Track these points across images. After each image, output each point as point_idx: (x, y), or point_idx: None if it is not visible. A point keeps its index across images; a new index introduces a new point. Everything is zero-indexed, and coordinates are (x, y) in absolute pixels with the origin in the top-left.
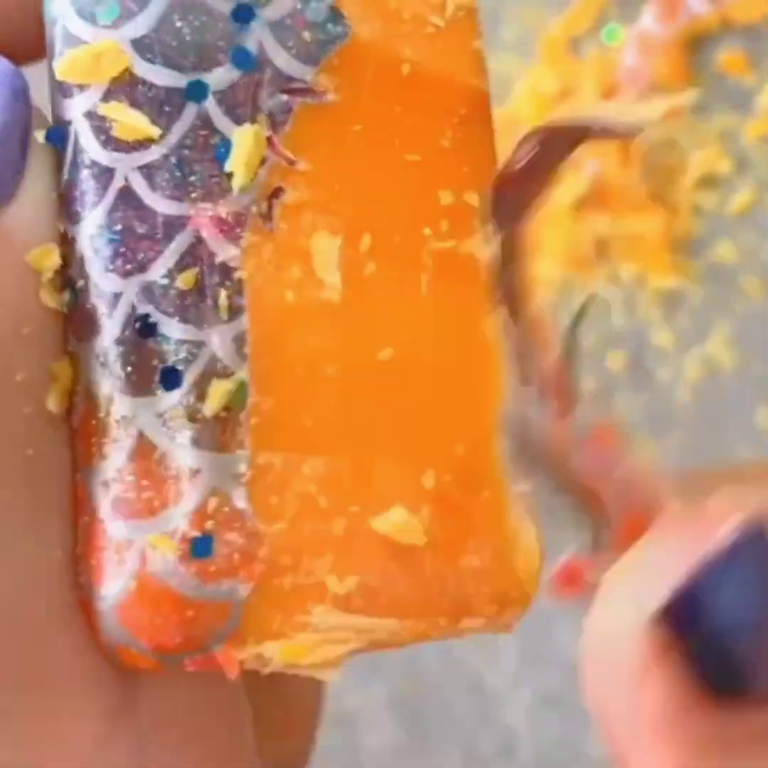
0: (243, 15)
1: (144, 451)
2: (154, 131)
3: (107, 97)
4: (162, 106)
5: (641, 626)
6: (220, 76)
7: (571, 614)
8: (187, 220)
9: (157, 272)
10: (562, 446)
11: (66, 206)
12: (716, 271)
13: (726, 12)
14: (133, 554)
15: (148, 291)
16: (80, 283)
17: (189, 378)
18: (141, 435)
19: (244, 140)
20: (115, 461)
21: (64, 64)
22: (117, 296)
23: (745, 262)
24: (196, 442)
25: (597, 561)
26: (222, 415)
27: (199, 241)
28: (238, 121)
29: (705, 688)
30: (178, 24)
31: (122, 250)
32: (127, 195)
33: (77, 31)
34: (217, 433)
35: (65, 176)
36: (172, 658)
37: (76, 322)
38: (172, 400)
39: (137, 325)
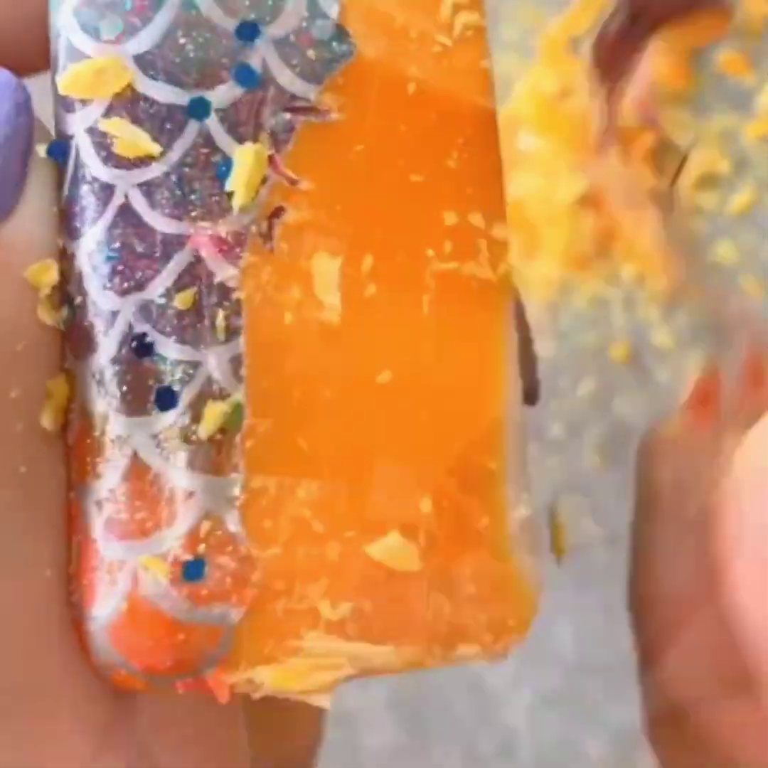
0: (247, 32)
1: (138, 471)
2: (155, 148)
3: (109, 112)
4: (163, 123)
5: None
6: (222, 94)
7: (571, 614)
8: (186, 239)
9: (154, 291)
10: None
11: (66, 222)
12: (716, 271)
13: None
14: (125, 575)
15: (145, 310)
16: (78, 299)
17: (184, 399)
18: (135, 455)
19: (245, 159)
20: (108, 481)
21: (66, 78)
22: (114, 314)
23: (745, 262)
24: (191, 464)
25: (727, 381)
26: (217, 437)
27: (198, 260)
28: (240, 140)
29: None
30: (182, 40)
31: (120, 267)
32: (126, 212)
33: (80, 45)
34: (212, 456)
35: (66, 191)
36: (163, 681)
37: (74, 339)
38: (167, 420)
39: (134, 344)
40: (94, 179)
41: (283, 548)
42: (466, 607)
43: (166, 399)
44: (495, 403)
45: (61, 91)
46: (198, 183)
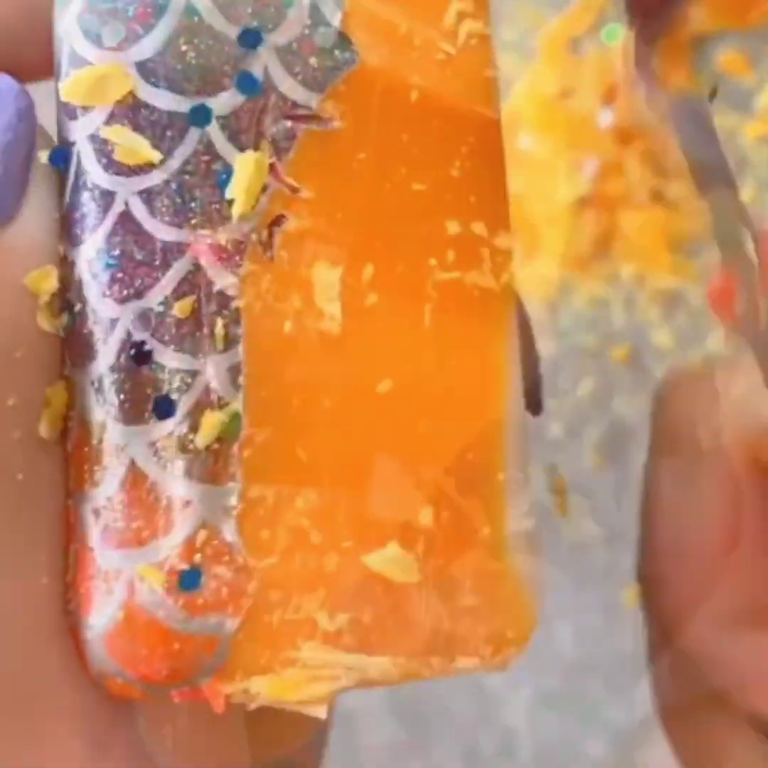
0: (249, 39)
1: (135, 480)
2: (155, 156)
3: (110, 120)
4: (164, 130)
5: None
6: (224, 101)
7: (571, 614)
8: (185, 247)
9: (153, 299)
10: None
11: (67, 229)
12: (716, 271)
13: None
14: (122, 584)
15: (144, 318)
16: (78, 307)
17: (182, 408)
18: (133, 464)
19: (245, 167)
20: (106, 489)
21: (68, 85)
22: (113, 322)
23: None
24: (188, 473)
25: (747, 278)
26: (214, 446)
27: (197, 268)
28: (241, 147)
29: None
30: (184, 48)
31: (120, 275)
32: (126, 220)
33: (83, 52)
34: (209, 465)
35: (67, 198)
36: (159, 690)
37: (73, 346)
38: (164, 429)
39: (132, 352)
40: (95, 186)
41: (280, 558)
42: (465, 618)
43: (164, 408)
44: (496, 412)
45: (63, 98)
46: (198, 191)
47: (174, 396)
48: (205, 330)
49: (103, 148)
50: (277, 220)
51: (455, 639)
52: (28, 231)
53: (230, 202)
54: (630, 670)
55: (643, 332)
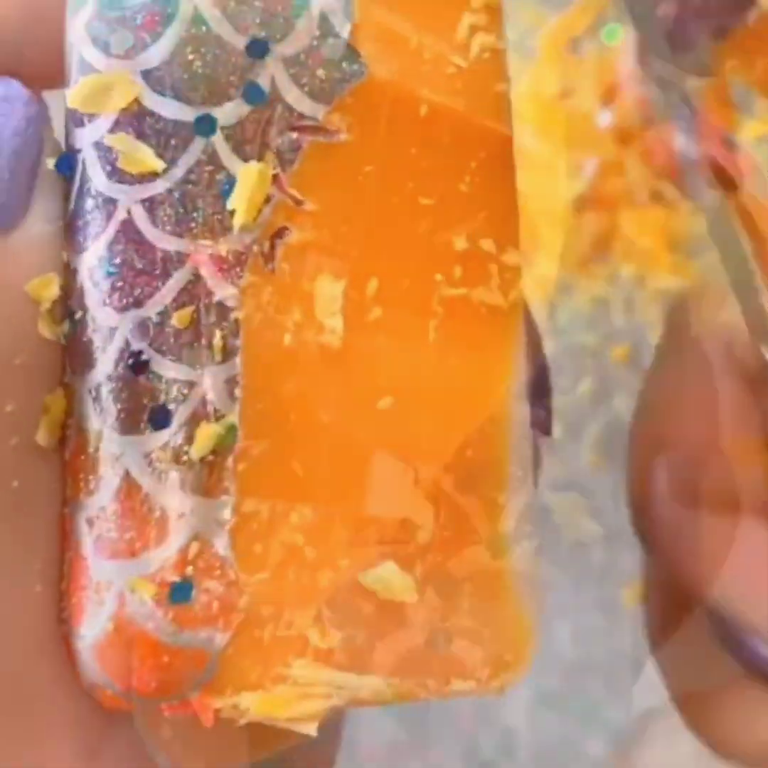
0: (257, 50)
1: (129, 490)
2: (159, 164)
3: (115, 127)
4: (169, 139)
5: None
6: (229, 111)
7: (571, 614)
8: (186, 257)
9: (152, 309)
10: None
11: (71, 236)
12: (716, 271)
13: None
14: (113, 595)
15: (142, 327)
16: (79, 314)
17: (178, 419)
18: (127, 474)
19: (248, 178)
20: (100, 498)
21: (75, 92)
22: (112, 331)
23: None
24: (181, 485)
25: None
26: (209, 458)
27: (197, 278)
28: (246, 158)
29: None
30: (191, 57)
31: (120, 284)
32: (128, 228)
33: (90, 59)
34: (203, 477)
35: (72, 205)
36: (149, 702)
37: (73, 354)
38: (159, 440)
39: (130, 361)
40: (98, 194)
41: (272, 573)
42: (463, 640)
43: (160, 418)
44: (496, 409)
45: (70, 105)
46: (201, 200)
47: (170, 406)
48: (204, 341)
49: (107, 156)
50: (280, 232)
51: (452, 661)
52: (32, 237)
53: (232, 213)
54: (630, 669)
55: (643, 332)
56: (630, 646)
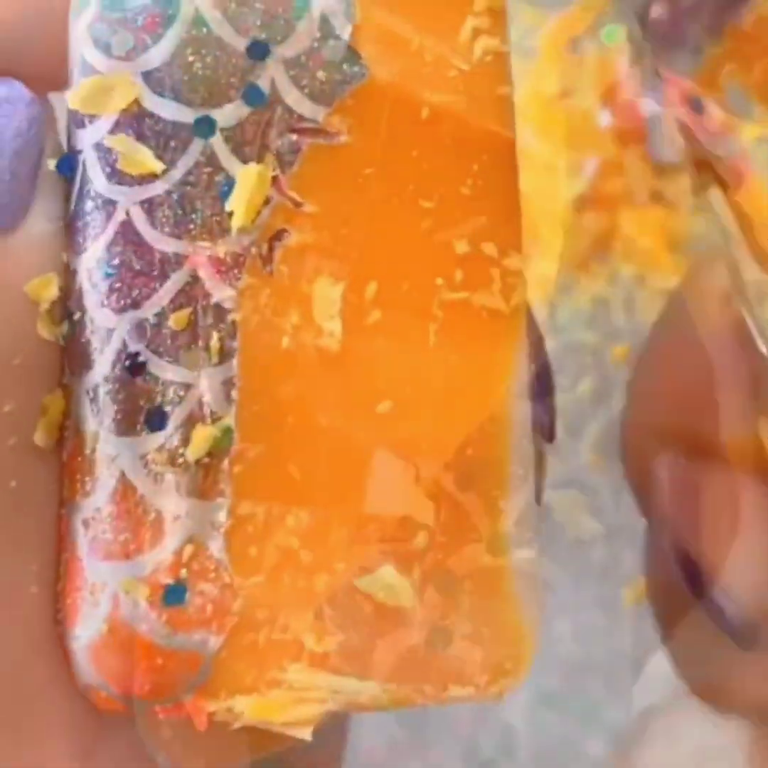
0: (258, 51)
1: (125, 492)
2: (158, 166)
3: (115, 129)
4: (168, 140)
5: None
6: (229, 113)
7: (570, 613)
8: (184, 259)
9: (150, 310)
10: None
11: (71, 237)
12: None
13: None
14: (107, 597)
15: (140, 328)
16: (77, 315)
17: (174, 420)
18: (123, 475)
19: (247, 179)
20: (96, 500)
21: (75, 93)
22: (110, 332)
23: None
24: (177, 487)
25: None
26: (204, 460)
27: (195, 280)
28: (245, 160)
29: None
30: (191, 58)
31: (118, 285)
32: (127, 229)
33: (92, 61)
34: (199, 480)
35: (72, 206)
36: (143, 705)
37: (72, 355)
38: (155, 442)
39: (127, 362)
40: (98, 195)
41: (267, 577)
42: (461, 646)
43: (156, 420)
44: (497, 407)
45: (70, 106)
46: (199, 202)
47: (167, 408)
48: (201, 343)
49: (107, 157)
50: (279, 235)
51: (449, 666)
52: (32, 238)
53: (231, 215)
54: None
55: (644, 332)
56: (630, 646)
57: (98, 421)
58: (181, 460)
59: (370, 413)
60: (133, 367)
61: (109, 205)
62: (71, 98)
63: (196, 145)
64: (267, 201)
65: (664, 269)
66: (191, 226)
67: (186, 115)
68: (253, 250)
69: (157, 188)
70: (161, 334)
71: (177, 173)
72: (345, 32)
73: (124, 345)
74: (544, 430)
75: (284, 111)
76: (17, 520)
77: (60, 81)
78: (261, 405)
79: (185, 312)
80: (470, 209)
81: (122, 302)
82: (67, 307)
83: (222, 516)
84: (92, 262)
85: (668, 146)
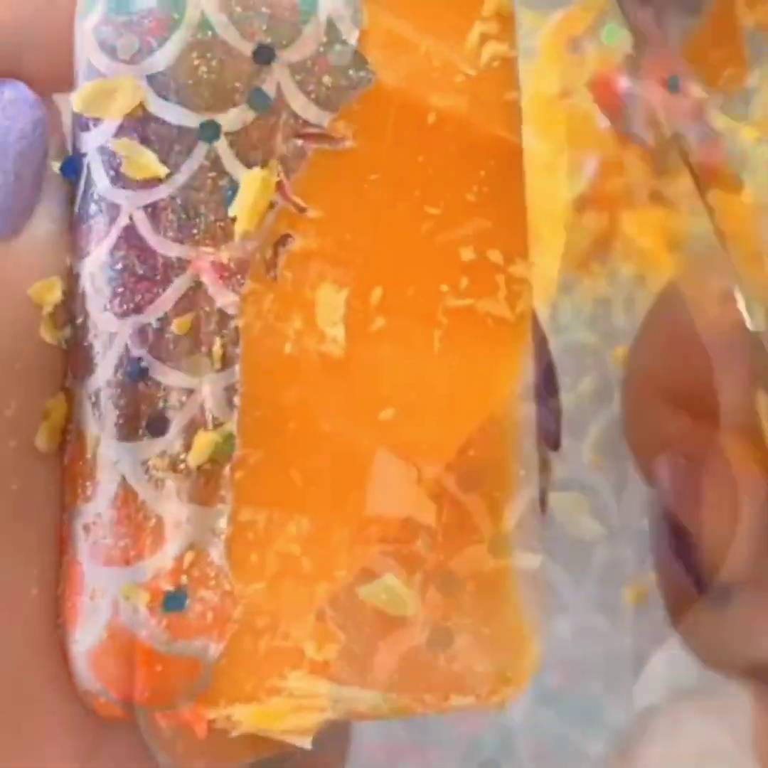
0: (263, 56)
1: (125, 497)
2: (162, 170)
3: (119, 132)
4: (172, 144)
5: None
6: (234, 117)
7: (571, 612)
8: (187, 264)
9: (152, 315)
10: None
11: (74, 240)
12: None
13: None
14: (107, 602)
15: (142, 333)
16: (80, 319)
17: (176, 426)
18: (124, 480)
19: (251, 184)
20: (97, 505)
21: (80, 96)
22: (112, 336)
23: None
24: (178, 493)
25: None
26: (206, 466)
27: (198, 285)
28: (249, 164)
29: None
30: (196, 62)
31: (120, 289)
32: (130, 234)
33: (97, 63)
34: (200, 486)
35: (76, 210)
36: (143, 711)
37: (74, 359)
38: (156, 447)
39: (128, 367)
40: (101, 199)
41: (268, 584)
42: (463, 655)
43: (158, 425)
44: (499, 408)
45: (75, 109)
46: (203, 207)
47: (168, 414)
48: (203, 348)
49: (111, 161)
50: (283, 240)
51: (451, 676)
52: (36, 241)
53: (234, 220)
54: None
55: None
56: (630, 646)
57: (100, 426)
58: (182, 465)
59: (373, 420)
60: (134, 372)
61: (113, 208)
62: (75, 101)
63: (201, 150)
64: (271, 206)
65: (664, 269)
66: (195, 231)
67: (191, 119)
68: (257, 255)
69: (161, 192)
70: (164, 339)
71: (181, 177)
72: (352, 37)
73: (127, 350)
74: (550, 438)
75: (289, 116)
76: (18, 523)
77: (65, 83)
78: (263, 411)
79: (188, 317)
80: (476, 216)
81: (125, 307)
82: (70, 310)
83: (223, 522)
84: (95, 266)
85: (642, 125)
